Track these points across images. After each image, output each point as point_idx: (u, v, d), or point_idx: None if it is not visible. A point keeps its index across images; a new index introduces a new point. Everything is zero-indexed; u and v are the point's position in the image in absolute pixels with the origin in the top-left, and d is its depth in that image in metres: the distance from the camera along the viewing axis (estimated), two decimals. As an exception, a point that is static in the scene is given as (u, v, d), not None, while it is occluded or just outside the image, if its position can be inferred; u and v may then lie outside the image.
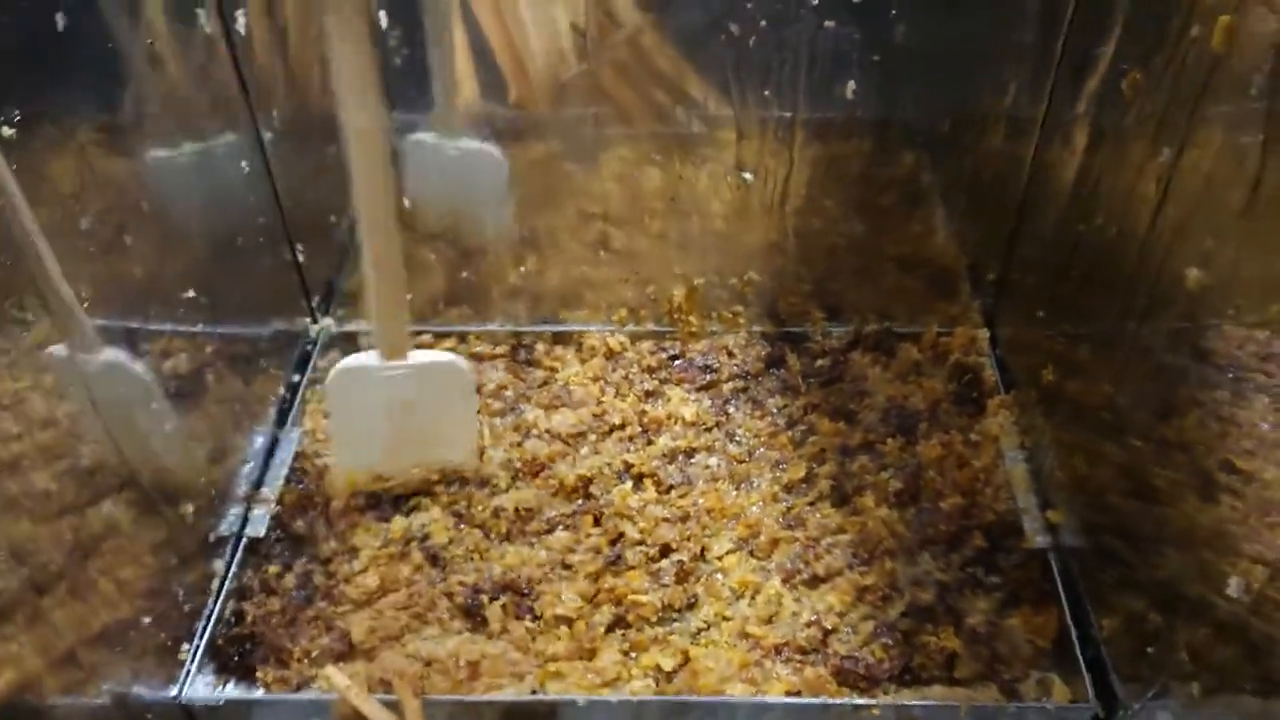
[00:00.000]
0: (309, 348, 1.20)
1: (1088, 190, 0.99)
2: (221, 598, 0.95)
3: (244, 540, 1.00)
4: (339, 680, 0.87)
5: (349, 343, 1.21)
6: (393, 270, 0.93)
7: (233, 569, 0.98)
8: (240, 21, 0.96)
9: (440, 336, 1.21)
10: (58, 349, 0.79)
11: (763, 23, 0.95)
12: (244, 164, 1.02)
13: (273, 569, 0.99)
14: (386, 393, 1.01)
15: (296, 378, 1.16)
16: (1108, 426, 0.96)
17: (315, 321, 1.21)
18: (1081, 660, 0.89)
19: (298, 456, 1.08)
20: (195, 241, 1.01)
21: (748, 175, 1.06)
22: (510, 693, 0.90)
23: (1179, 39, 0.78)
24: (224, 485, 1.01)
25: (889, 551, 0.99)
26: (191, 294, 0.98)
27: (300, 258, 1.15)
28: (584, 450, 1.08)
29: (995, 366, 1.15)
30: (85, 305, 0.80)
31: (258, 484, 1.04)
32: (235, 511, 1.01)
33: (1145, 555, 0.89)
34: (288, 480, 1.05)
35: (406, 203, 1.10)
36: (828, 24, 0.95)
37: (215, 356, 1.05)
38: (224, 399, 1.07)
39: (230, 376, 1.08)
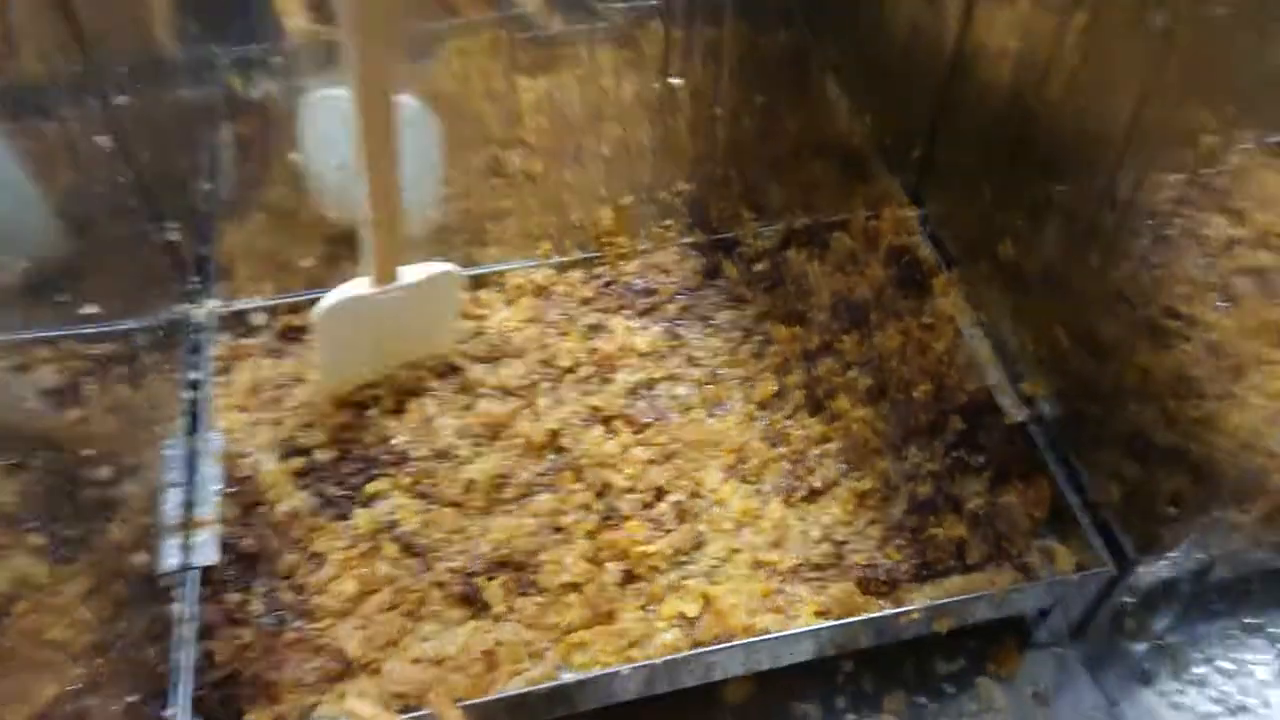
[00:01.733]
0: (196, 335, 1.04)
1: (1002, 57, 0.98)
2: (190, 643, 0.83)
3: (194, 572, 0.87)
4: (365, 712, 0.78)
5: (240, 324, 1.07)
6: (388, 190, 0.85)
7: (191, 608, 0.85)
8: (71, -34, 0.78)
9: (346, 300, 1.08)
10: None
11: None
12: (100, 139, 0.85)
13: (233, 597, 0.88)
14: (377, 318, 0.94)
15: (195, 374, 1.01)
16: (1059, 291, 0.97)
17: (198, 305, 1.05)
18: (1085, 525, 0.91)
19: (224, 464, 0.95)
20: (49, 232, 0.85)
21: (677, 81, 0.98)
22: (537, 673, 0.84)
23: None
24: (152, 512, 0.88)
25: (876, 451, 0.98)
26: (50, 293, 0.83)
27: (172, 236, 0.99)
28: (542, 401, 1.01)
29: (930, 244, 1.14)
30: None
31: (189, 505, 0.91)
32: (174, 542, 0.88)
33: (1122, 412, 0.92)
34: (224, 495, 0.92)
35: (311, 177, 0.98)
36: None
37: (90, 362, 0.91)
38: (114, 409, 0.93)
39: (113, 383, 0.93)
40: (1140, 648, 0.96)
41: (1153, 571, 0.90)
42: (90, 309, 0.90)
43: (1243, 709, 0.93)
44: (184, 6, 1.03)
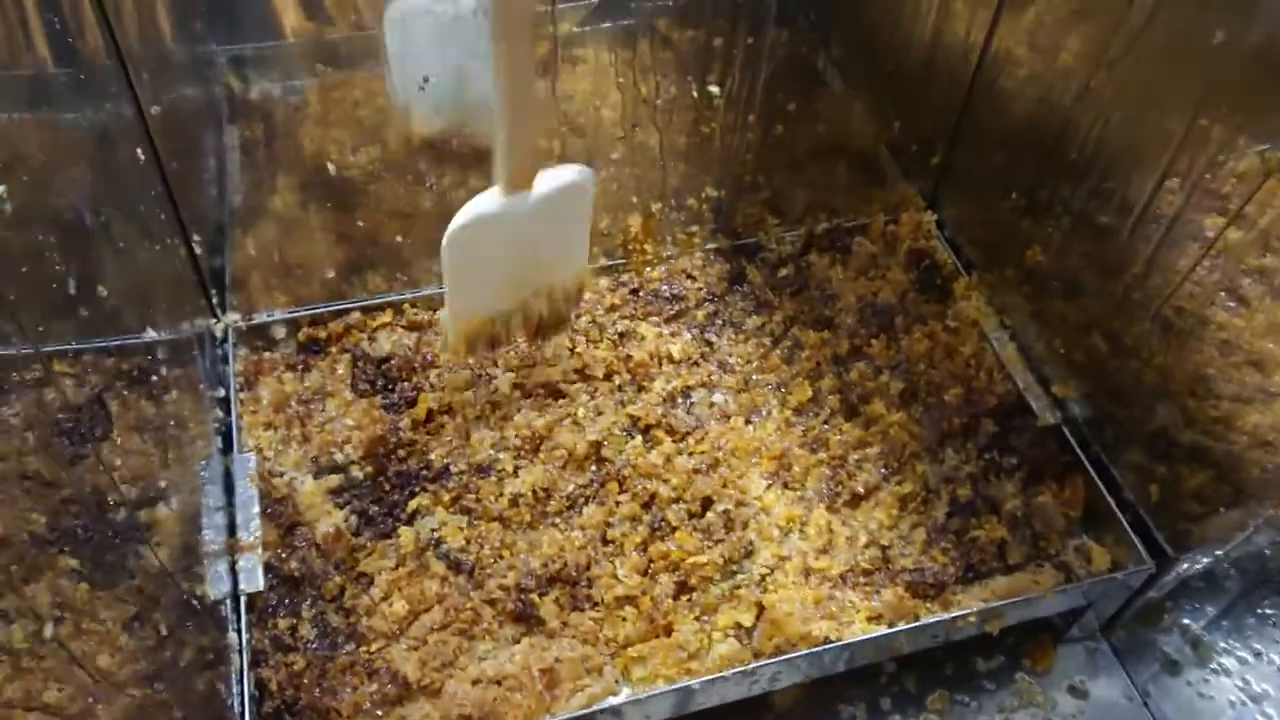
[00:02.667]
0: (219, 350, 1.01)
1: (1032, 67, 1.00)
2: (245, 672, 0.81)
3: (242, 599, 0.84)
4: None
5: (260, 337, 1.04)
6: (523, 86, 0.78)
7: (244, 637, 0.83)
8: (113, -30, 0.74)
9: (370, 311, 1.06)
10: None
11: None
12: (139, 150, 0.82)
13: (282, 623, 0.85)
14: (511, 234, 0.86)
15: (220, 391, 0.98)
16: (1084, 295, 0.99)
17: (218, 319, 1.02)
18: (1122, 523, 0.94)
19: (259, 484, 0.92)
20: (75, 242, 0.82)
21: (715, 89, 0.98)
22: (598, 689, 0.84)
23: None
24: (191, 536, 0.85)
25: (914, 455, 0.99)
26: (77, 305, 0.79)
27: (197, 249, 0.95)
28: (579, 411, 0.99)
29: (947, 248, 1.16)
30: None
31: (231, 529, 0.88)
32: (220, 567, 0.85)
33: (1149, 412, 0.94)
34: (263, 515, 0.90)
35: (397, 94, 0.92)
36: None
37: (112, 377, 0.87)
38: (139, 427, 0.89)
39: (137, 399, 0.89)
40: (1166, 639, 0.99)
41: (1189, 568, 0.92)
42: (111, 322, 0.87)
43: (1265, 696, 0.97)
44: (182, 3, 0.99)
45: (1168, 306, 0.91)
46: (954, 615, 0.87)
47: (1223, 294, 0.88)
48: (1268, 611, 1.02)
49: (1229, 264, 0.87)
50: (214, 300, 1.01)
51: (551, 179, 0.85)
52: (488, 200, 0.83)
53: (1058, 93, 0.96)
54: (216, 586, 0.83)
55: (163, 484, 0.87)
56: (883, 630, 0.86)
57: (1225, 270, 0.87)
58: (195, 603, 0.82)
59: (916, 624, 0.86)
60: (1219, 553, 0.91)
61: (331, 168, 0.99)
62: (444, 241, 0.84)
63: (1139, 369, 0.95)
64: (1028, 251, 1.03)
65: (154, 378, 0.91)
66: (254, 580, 0.85)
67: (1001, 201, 1.07)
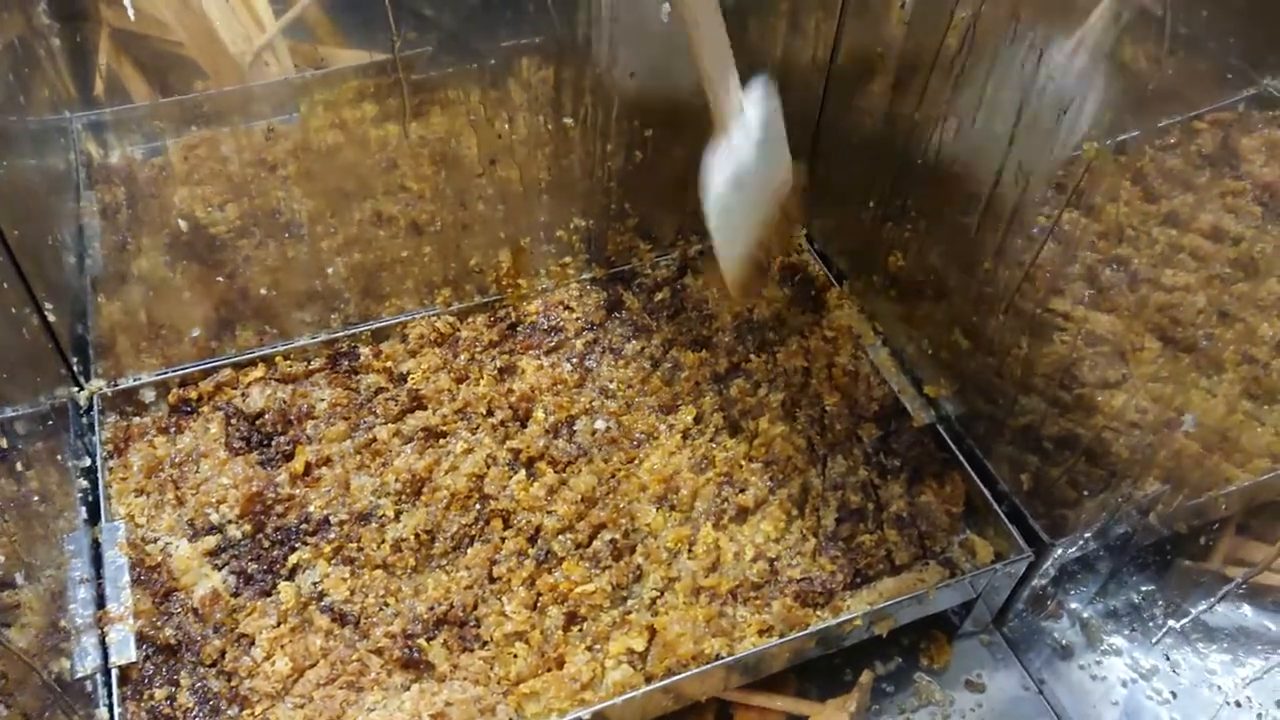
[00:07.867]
0: (84, 418, 0.98)
1: (875, 81, 1.03)
2: (119, 750, 0.78)
3: (113, 672, 0.82)
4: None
5: (128, 402, 1.01)
6: (716, 30, 0.81)
7: (115, 711, 0.80)
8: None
9: (241, 366, 1.04)
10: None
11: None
12: (-29, 220, 0.80)
13: (159, 693, 0.82)
14: (750, 167, 0.86)
15: (86, 461, 0.95)
16: (946, 296, 1.02)
17: (81, 387, 0.99)
18: (1000, 515, 0.96)
19: (130, 553, 0.89)
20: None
21: (568, 120, 0.99)
22: (492, 732, 0.83)
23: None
24: (59, 613, 0.82)
25: (799, 466, 1.00)
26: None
27: (50, 318, 0.92)
28: (459, 449, 0.99)
29: (819, 261, 1.18)
30: None
31: (100, 602, 0.85)
32: (89, 641, 0.82)
33: (1016, 405, 0.97)
34: (135, 584, 0.87)
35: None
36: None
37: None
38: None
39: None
40: (1056, 626, 1.01)
41: (1067, 553, 0.94)
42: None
43: (1155, 671, 0.99)
44: (31, 72, 0.97)
45: (1019, 298, 0.93)
46: (842, 620, 0.88)
47: (1078, 283, 0.91)
48: (1146, 588, 1.05)
49: (1073, 253, 0.89)
50: (76, 369, 0.98)
51: (750, 101, 0.86)
52: (723, 148, 0.83)
53: (900, 102, 0.99)
54: (82, 662, 0.80)
55: (24, 563, 0.84)
56: (773, 641, 0.87)
57: (1072, 259, 0.90)
58: (63, 681, 0.79)
59: (805, 631, 0.87)
60: (1089, 534, 0.93)
61: (196, 225, 0.98)
62: (711, 200, 0.84)
63: (1000, 362, 0.97)
64: (890, 257, 1.06)
65: (11, 455, 0.88)
66: (126, 651, 0.82)
67: (863, 211, 1.09)
